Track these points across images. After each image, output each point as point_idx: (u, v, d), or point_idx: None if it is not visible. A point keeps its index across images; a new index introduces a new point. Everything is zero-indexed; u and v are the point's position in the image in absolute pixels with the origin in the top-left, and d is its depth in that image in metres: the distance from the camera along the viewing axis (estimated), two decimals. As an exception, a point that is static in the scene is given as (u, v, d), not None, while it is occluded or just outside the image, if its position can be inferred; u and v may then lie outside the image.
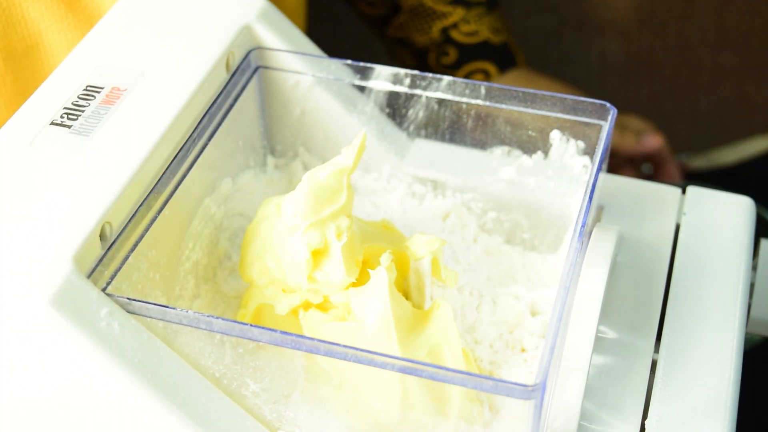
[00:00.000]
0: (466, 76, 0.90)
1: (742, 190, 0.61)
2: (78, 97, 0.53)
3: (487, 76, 0.90)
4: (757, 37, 1.28)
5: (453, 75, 0.88)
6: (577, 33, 1.25)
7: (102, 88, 0.53)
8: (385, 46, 0.96)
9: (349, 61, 0.58)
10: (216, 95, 0.55)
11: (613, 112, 0.54)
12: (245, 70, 0.58)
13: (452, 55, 0.89)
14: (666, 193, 0.60)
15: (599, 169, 0.51)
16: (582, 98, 0.55)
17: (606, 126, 0.54)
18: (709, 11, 1.26)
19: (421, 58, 0.92)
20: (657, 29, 1.28)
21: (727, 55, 1.29)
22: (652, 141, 0.95)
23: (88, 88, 0.53)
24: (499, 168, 0.59)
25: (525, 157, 0.59)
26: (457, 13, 0.88)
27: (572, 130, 0.56)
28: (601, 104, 0.54)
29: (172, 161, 0.51)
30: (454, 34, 0.89)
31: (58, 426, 0.47)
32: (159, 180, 0.50)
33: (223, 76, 0.56)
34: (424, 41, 0.90)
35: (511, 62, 0.91)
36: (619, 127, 0.95)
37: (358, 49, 1.11)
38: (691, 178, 1.23)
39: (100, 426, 0.47)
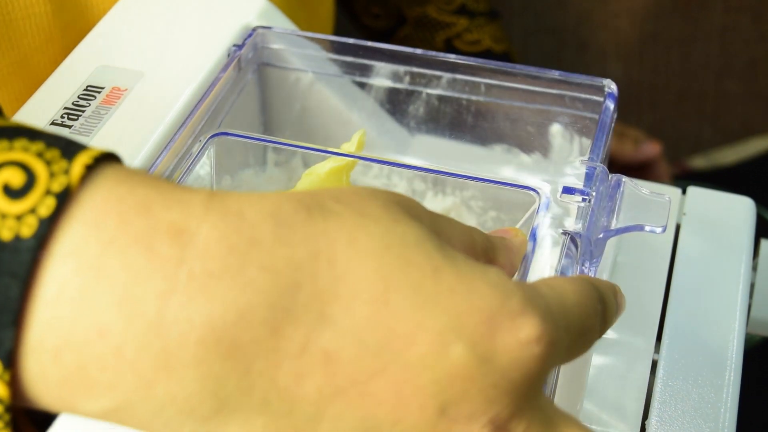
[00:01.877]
0: None
1: (742, 190, 0.61)
2: (78, 97, 0.53)
3: None
4: (763, 64, 1.27)
5: None
6: (578, 55, 1.25)
7: (102, 88, 0.53)
8: None
9: (349, 58, 0.58)
10: (216, 94, 0.55)
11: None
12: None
13: None
14: (666, 193, 0.60)
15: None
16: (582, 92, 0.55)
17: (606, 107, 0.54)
18: (714, 36, 1.25)
19: None
20: (660, 53, 1.27)
21: (732, 81, 1.28)
22: (651, 148, 0.96)
23: (89, 88, 0.53)
24: (500, 165, 0.59)
25: (525, 155, 0.59)
26: (461, 24, 0.89)
27: (575, 126, 0.56)
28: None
29: (172, 161, 0.51)
30: (458, 44, 0.90)
31: (58, 426, 0.47)
32: (159, 180, 0.50)
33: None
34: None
35: None
36: (617, 134, 0.96)
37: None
38: (691, 178, 1.23)
39: (99, 426, 0.47)
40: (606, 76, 1.29)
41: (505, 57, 0.91)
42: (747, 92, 1.29)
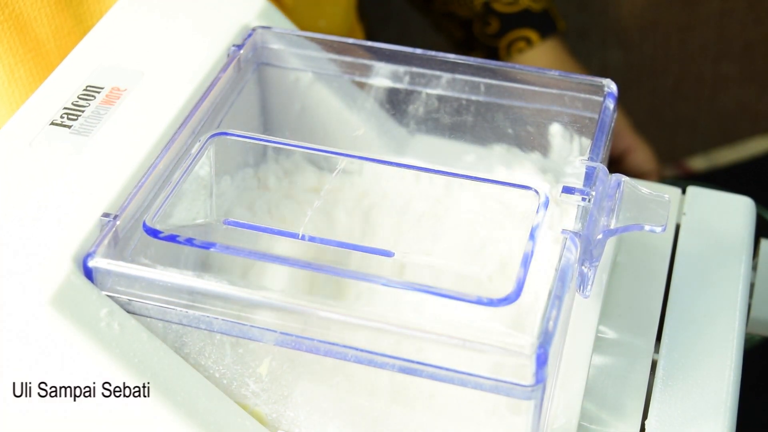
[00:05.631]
0: (509, 45, 0.92)
1: (742, 190, 0.61)
2: (78, 97, 0.53)
3: (528, 44, 0.91)
4: (759, 47, 1.27)
5: (496, 44, 0.91)
6: (578, 42, 1.25)
7: (102, 88, 0.53)
8: (432, 20, 0.99)
9: (349, 58, 0.58)
10: (216, 94, 0.55)
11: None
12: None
13: (494, 24, 0.92)
14: (666, 193, 0.60)
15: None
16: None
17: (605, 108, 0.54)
18: (711, 21, 1.26)
19: (467, 29, 0.94)
20: (658, 39, 1.28)
21: (729, 65, 1.29)
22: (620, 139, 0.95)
23: (88, 88, 0.53)
24: (500, 165, 0.59)
25: (525, 155, 0.59)
26: None
27: (575, 125, 0.56)
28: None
29: (172, 161, 0.51)
30: (496, 5, 0.91)
31: (58, 426, 0.47)
32: (159, 180, 0.50)
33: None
34: (467, 14, 0.93)
35: (552, 28, 0.92)
36: None
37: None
38: (691, 178, 1.23)
39: (100, 426, 0.47)
40: (606, 63, 1.28)
41: (544, 15, 0.92)
42: (743, 75, 1.29)
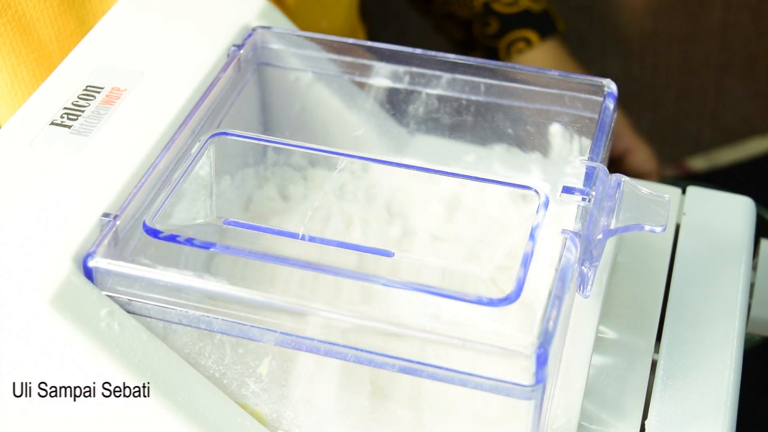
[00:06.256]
0: (509, 45, 0.92)
1: (742, 190, 0.61)
2: (78, 97, 0.53)
3: (528, 44, 0.91)
4: (763, 61, 1.26)
5: (496, 45, 0.91)
6: (578, 52, 1.25)
7: (102, 88, 0.53)
8: (432, 21, 0.99)
9: (349, 58, 0.58)
10: (216, 94, 0.55)
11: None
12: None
13: (494, 25, 0.92)
14: (666, 193, 0.60)
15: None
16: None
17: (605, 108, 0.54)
18: (714, 33, 1.25)
19: (466, 29, 0.94)
20: (660, 50, 1.27)
21: (732, 78, 1.28)
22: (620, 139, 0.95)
23: (88, 88, 0.53)
24: (500, 165, 0.59)
25: (525, 155, 0.59)
26: None
27: (575, 126, 0.56)
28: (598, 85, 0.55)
29: (172, 161, 0.51)
30: (496, 6, 0.91)
31: (58, 426, 0.47)
32: (159, 180, 0.50)
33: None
34: (467, 14, 0.93)
35: (552, 29, 0.92)
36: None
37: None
38: (691, 178, 1.23)
39: (100, 427, 0.47)
40: (606, 73, 1.28)
41: (544, 15, 0.92)
42: (747, 90, 1.29)
